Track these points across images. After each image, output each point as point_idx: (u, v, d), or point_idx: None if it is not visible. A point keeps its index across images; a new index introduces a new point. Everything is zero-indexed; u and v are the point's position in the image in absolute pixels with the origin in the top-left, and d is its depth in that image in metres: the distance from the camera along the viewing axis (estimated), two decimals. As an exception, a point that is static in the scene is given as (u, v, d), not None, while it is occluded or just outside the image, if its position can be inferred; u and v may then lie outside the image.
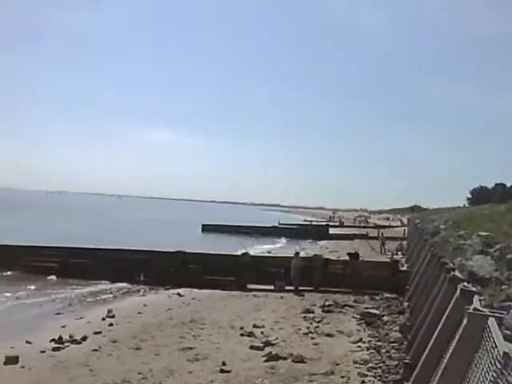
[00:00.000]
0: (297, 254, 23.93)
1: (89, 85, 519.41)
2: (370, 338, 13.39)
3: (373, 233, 58.29)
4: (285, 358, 11.22)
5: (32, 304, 18.07)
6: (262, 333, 13.69)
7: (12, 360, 10.82)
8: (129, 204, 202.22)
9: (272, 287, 21.51)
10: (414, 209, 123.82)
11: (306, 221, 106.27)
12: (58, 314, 16.58)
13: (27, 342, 12.51)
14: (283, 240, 56.97)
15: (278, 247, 47.19)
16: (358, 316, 16.29)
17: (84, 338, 12.84)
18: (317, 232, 65.05)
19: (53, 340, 12.53)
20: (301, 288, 21.36)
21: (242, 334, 13.52)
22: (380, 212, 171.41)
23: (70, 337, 12.86)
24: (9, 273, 22.96)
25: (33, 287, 20.94)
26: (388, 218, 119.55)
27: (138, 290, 21.37)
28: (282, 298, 19.80)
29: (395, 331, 13.99)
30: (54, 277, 22.79)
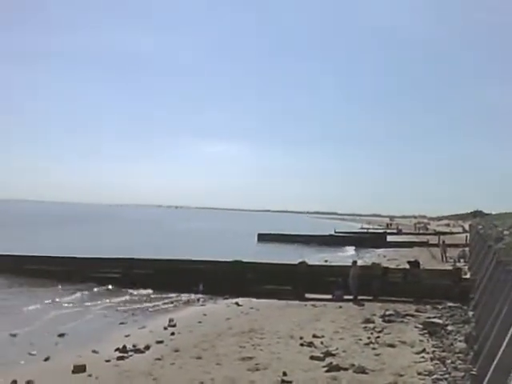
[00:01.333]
0: (354, 262, 23.68)
1: (142, 103, 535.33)
2: (433, 349, 13.00)
3: (433, 240, 56.74)
4: (346, 369, 11.07)
5: (97, 314, 18.68)
6: (322, 343, 13.56)
7: (79, 368, 11.19)
8: (185, 215, 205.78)
9: (330, 296, 21.32)
10: (476, 214, 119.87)
11: (362, 228, 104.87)
12: (122, 323, 17.04)
13: (93, 351, 12.89)
14: (351, 249, 55.81)
15: (348, 255, 46.03)
16: (421, 326, 15.86)
17: (147, 347, 13.12)
18: (374, 240, 63.97)
19: (117, 349, 12.86)
20: (360, 297, 21.07)
21: (301, 344, 13.43)
22: (440, 218, 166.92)
23: (134, 346, 13.16)
24: (76, 287, 23.78)
25: (97, 298, 21.65)
26: (449, 225, 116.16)
27: (198, 300, 21.70)
28: (340, 307, 19.57)
29: (460, 341, 13.54)
30: (117, 287, 23.48)
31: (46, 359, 12.26)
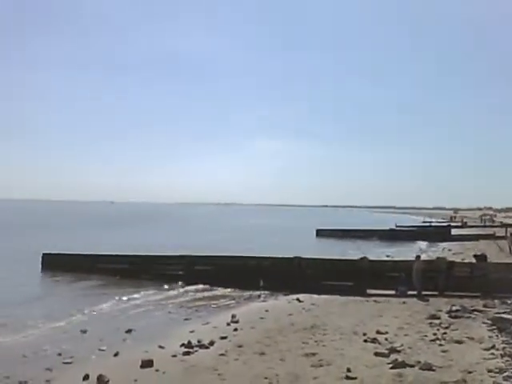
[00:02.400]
0: (418, 257, 23.20)
1: (190, 103, 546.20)
2: (504, 345, 12.51)
3: (500, 232, 54.63)
4: (412, 366, 10.85)
5: (162, 311, 19.10)
6: (386, 339, 13.35)
7: (147, 363, 11.49)
8: (243, 212, 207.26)
9: (393, 292, 20.95)
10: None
11: (425, 222, 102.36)
12: (186, 319, 17.38)
13: (160, 346, 13.20)
14: (422, 243, 53.98)
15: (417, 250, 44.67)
16: (489, 321, 15.33)
17: (211, 343, 13.33)
18: (438, 233, 62.22)
19: (183, 345, 13.12)
20: (424, 293, 20.59)
21: (365, 341, 13.27)
22: (507, 209, 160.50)
23: (199, 341, 13.39)
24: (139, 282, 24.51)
25: (161, 294, 22.20)
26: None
27: (259, 296, 21.86)
28: (404, 303, 19.22)
29: (533, 338, 12.99)
30: (180, 284, 24.03)
31: (116, 354, 12.66)
